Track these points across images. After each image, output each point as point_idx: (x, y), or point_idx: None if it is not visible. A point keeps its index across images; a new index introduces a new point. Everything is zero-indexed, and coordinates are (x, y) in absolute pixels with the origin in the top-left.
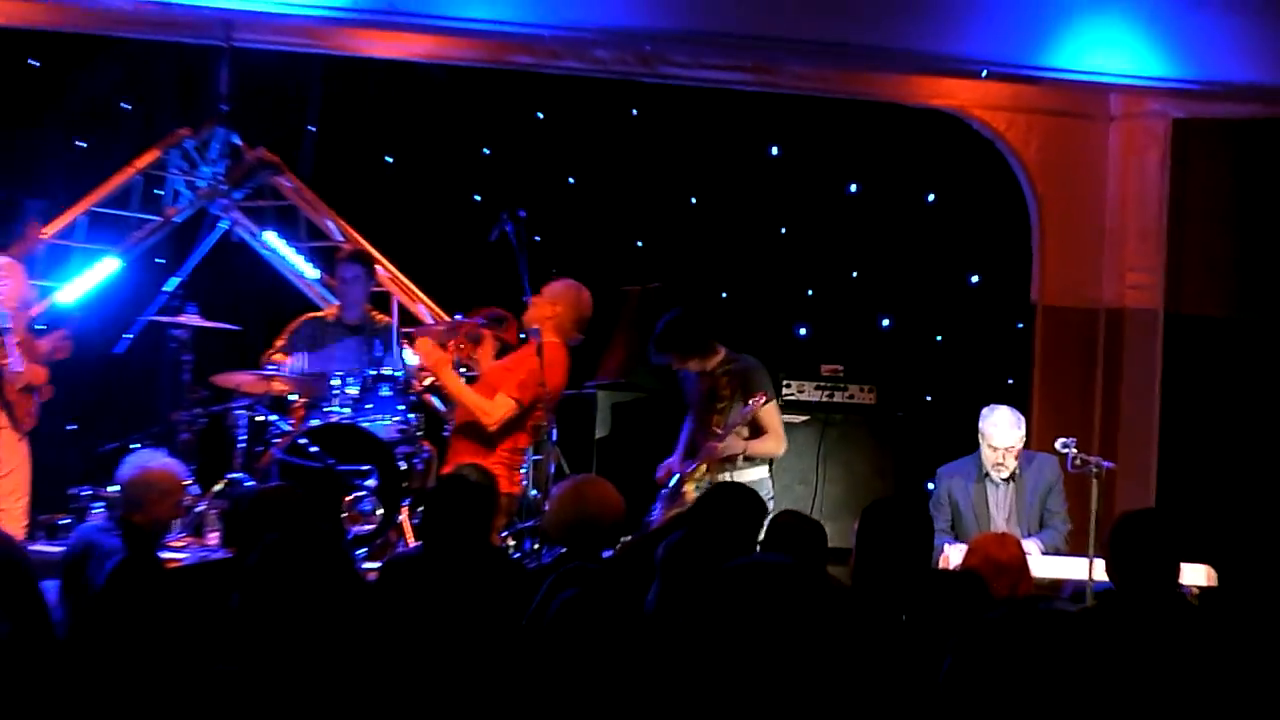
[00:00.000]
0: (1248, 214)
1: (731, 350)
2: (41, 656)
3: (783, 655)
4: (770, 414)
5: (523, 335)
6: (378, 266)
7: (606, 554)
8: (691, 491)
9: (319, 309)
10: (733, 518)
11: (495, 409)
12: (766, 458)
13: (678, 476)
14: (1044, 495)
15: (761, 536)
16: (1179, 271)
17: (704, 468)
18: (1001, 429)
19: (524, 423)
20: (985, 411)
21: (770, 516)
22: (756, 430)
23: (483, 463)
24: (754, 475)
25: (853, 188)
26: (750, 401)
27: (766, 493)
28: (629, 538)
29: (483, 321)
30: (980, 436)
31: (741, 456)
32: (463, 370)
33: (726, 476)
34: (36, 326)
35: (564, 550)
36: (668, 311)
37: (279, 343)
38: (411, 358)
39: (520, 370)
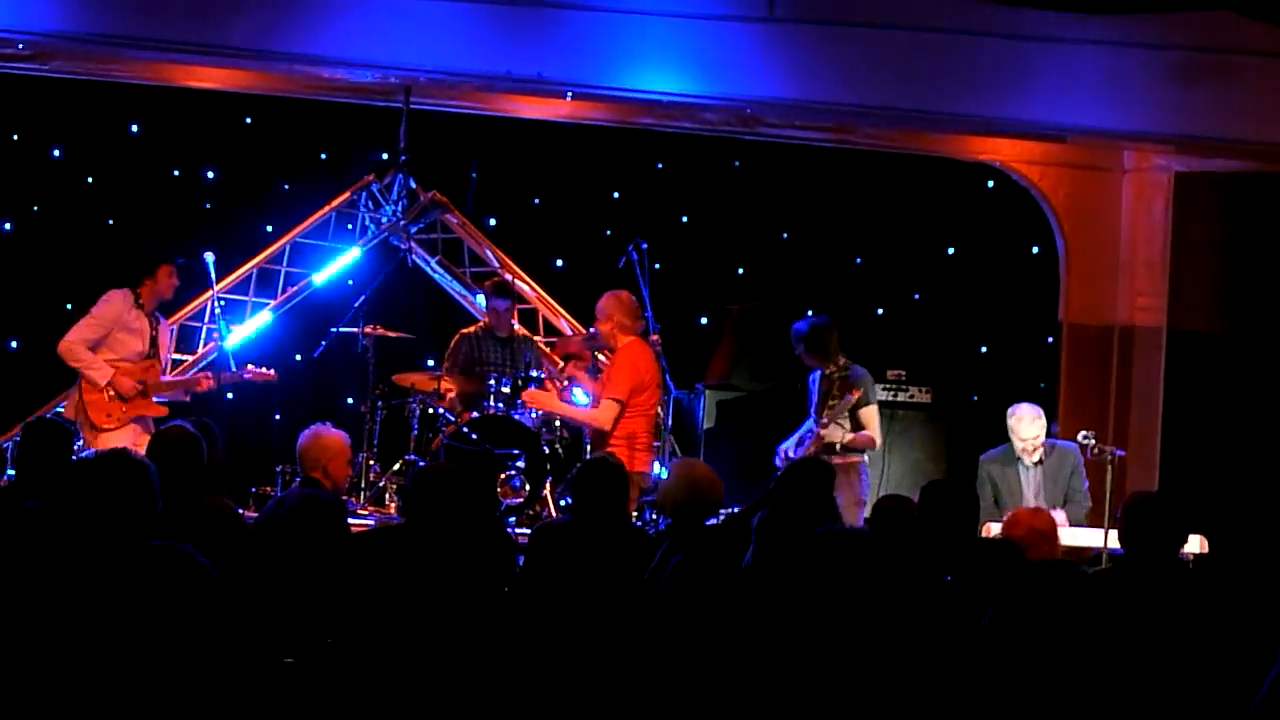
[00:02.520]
0: (1234, 250)
1: (849, 359)
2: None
3: (853, 607)
4: (870, 415)
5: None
6: (526, 287)
7: (709, 523)
8: None
9: (475, 321)
10: (810, 490)
11: (602, 414)
12: (864, 449)
13: (789, 458)
14: (1067, 477)
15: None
16: (1178, 296)
17: (812, 450)
18: (1025, 423)
19: (639, 416)
20: (1010, 410)
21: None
22: (859, 427)
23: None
24: (854, 461)
25: (914, 226)
26: (846, 396)
27: (865, 478)
28: (733, 509)
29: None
30: (1009, 431)
31: (840, 444)
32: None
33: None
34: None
35: (672, 520)
36: (815, 317)
37: (446, 365)
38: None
39: (612, 376)
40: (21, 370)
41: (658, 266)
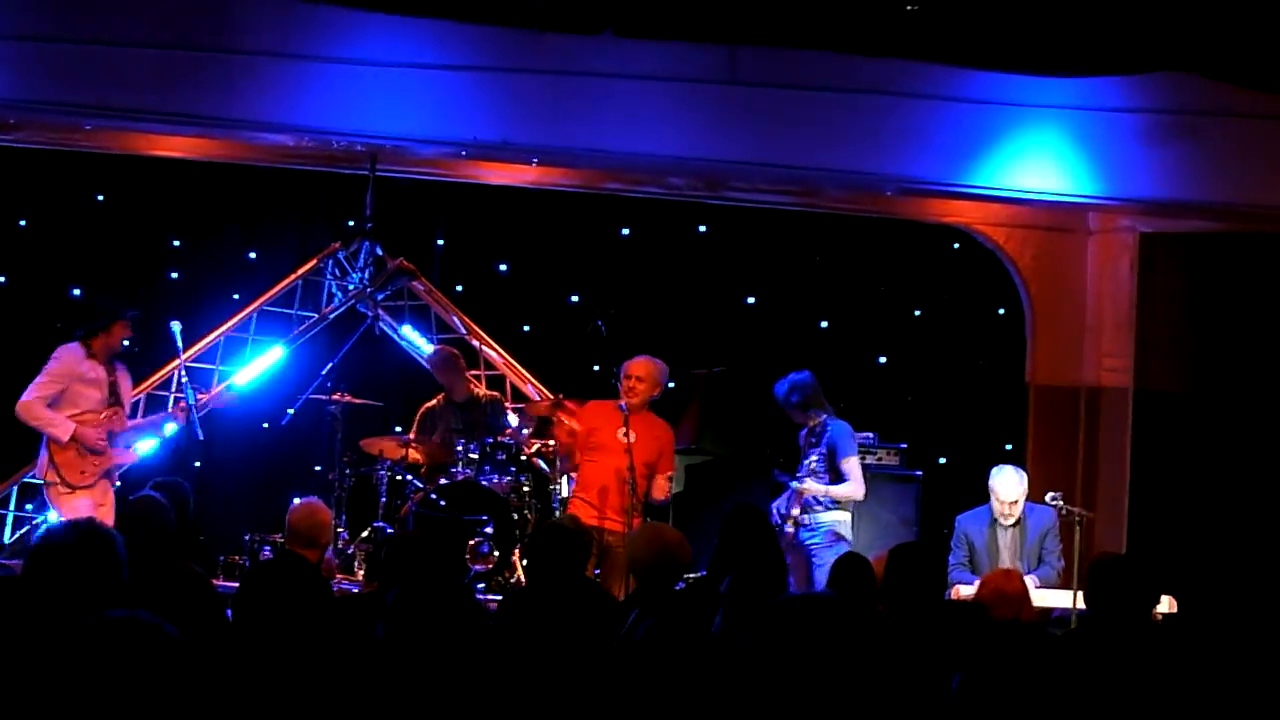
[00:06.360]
0: (1200, 309)
1: (832, 415)
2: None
3: (821, 672)
4: (851, 465)
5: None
6: (493, 353)
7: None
8: (791, 527)
9: (441, 389)
10: (746, 536)
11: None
12: (848, 501)
13: (780, 515)
14: (1042, 538)
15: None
16: (1145, 356)
17: (798, 510)
18: (1007, 485)
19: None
20: (994, 471)
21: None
22: (840, 478)
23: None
24: (835, 517)
25: (880, 288)
26: (819, 449)
27: (847, 533)
28: (697, 575)
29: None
30: (990, 491)
31: (822, 497)
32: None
33: (808, 519)
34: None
35: (640, 584)
36: (797, 373)
37: (412, 435)
38: (515, 421)
39: (671, 452)
40: None
41: (624, 331)
